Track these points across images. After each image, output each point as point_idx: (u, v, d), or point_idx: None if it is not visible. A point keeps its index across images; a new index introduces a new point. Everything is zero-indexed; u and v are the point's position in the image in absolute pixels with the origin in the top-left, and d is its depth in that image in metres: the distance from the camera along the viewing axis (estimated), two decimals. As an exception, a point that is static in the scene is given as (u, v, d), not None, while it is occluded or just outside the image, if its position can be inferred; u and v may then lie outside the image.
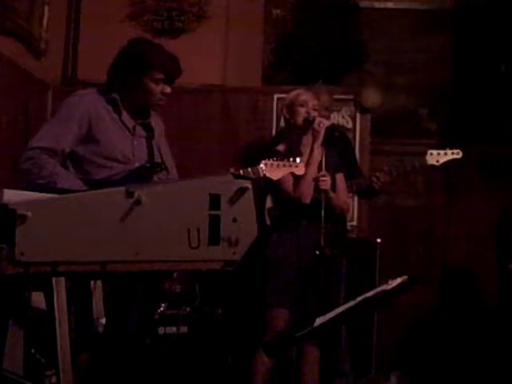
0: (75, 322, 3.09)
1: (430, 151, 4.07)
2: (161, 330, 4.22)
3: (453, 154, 4.06)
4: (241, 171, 3.46)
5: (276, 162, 3.48)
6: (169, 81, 3.22)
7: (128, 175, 3.13)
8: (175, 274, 4.28)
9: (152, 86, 3.19)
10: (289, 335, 3.80)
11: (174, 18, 5.33)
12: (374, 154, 5.25)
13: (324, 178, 3.73)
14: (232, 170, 3.44)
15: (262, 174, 3.44)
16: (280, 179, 3.62)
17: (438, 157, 4.05)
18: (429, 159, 4.07)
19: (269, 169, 3.45)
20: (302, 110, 3.83)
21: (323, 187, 3.71)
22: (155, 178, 3.20)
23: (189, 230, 2.19)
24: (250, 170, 3.46)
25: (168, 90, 3.23)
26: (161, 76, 3.18)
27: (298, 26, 5.55)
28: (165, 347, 4.10)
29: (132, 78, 3.20)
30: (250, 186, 2.25)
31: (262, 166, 3.45)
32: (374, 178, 4.25)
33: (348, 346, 4.43)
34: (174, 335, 4.17)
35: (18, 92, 4.67)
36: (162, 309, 4.26)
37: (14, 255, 1.97)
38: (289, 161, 3.54)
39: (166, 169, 3.29)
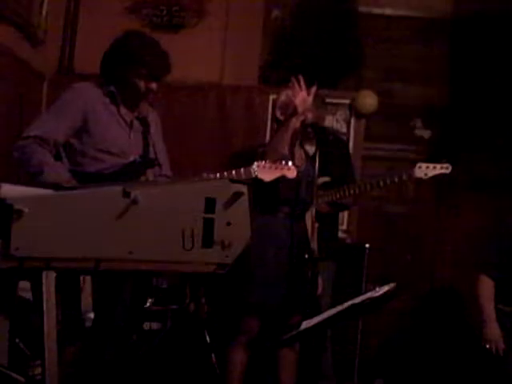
0: (63, 314, 3.09)
1: (418, 164, 4.03)
2: (146, 326, 4.22)
3: (442, 168, 4.01)
4: (233, 171, 3.47)
5: (268, 164, 3.50)
6: (154, 78, 3.21)
7: (120, 170, 3.14)
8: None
9: (136, 80, 3.19)
10: (274, 337, 3.81)
11: (174, 14, 5.32)
12: (366, 159, 5.27)
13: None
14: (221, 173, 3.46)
15: (254, 175, 3.45)
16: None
17: (426, 170, 4.02)
18: (417, 172, 4.03)
19: (261, 170, 3.46)
20: None
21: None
22: (147, 173, 3.21)
23: (183, 231, 2.20)
24: (242, 170, 3.47)
25: (153, 86, 3.22)
26: (144, 72, 3.18)
27: (297, 27, 5.55)
28: (152, 344, 4.11)
29: (120, 71, 3.21)
30: (245, 190, 2.26)
31: (254, 167, 3.46)
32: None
33: (332, 351, 4.43)
34: (162, 332, 4.17)
35: (13, 81, 4.65)
36: (148, 304, 4.27)
37: (8, 250, 1.97)
38: (281, 163, 3.56)
39: (159, 165, 3.29)
